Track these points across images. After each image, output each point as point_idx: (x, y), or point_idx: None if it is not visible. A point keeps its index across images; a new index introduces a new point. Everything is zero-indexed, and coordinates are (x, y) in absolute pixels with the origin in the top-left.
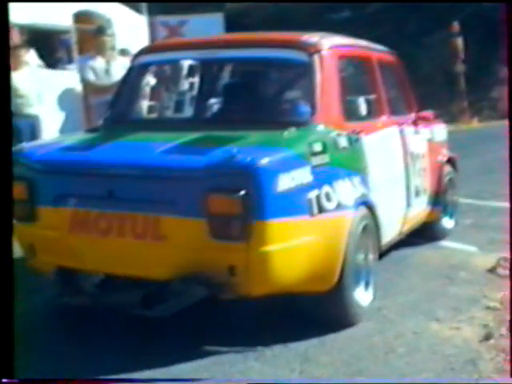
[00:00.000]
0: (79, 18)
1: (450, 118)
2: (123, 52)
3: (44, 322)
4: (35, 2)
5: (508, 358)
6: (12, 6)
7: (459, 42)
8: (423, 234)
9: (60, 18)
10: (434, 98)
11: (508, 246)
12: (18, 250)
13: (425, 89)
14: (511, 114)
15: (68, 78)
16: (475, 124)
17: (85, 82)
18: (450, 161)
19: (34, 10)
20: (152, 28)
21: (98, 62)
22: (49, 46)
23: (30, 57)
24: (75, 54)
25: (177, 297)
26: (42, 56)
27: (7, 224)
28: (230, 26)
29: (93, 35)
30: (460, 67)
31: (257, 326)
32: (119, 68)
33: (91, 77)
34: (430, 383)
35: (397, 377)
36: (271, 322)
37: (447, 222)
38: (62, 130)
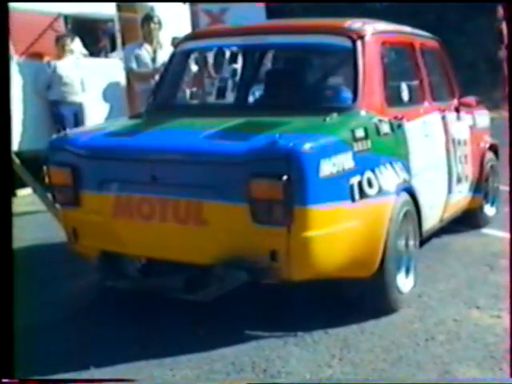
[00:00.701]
0: (123, 7)
1: (492, 105)
2: (174, 40)
3: (88, 305)
4: (35, 1)
5: None
6: None
7: (504, 27)
8: (464, 221)
9: (104, 7)
10: (476, 85)
11: None
12: (62, 235)
13: (467, 75)
14: (511, 113)
15: (112, 66)
16: None
17: (128, 69)
18: (492, 148)
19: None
20: (194, 16)
21: (145, 50)
22: (93, 35)
23: (75, 45)
24: (119, 43)
25: (219, 281)
26: (86, 45)
27: (7, 223)
28: (272, 12)
29: (141, 24)
30: (504, 53)
31: (297, 311)
32: (166, 56)
33: (134, 65)
34: (430, 383)
35: (437, 365)
36: (312, 307)
37: (488, 210)
38: (106, 118)
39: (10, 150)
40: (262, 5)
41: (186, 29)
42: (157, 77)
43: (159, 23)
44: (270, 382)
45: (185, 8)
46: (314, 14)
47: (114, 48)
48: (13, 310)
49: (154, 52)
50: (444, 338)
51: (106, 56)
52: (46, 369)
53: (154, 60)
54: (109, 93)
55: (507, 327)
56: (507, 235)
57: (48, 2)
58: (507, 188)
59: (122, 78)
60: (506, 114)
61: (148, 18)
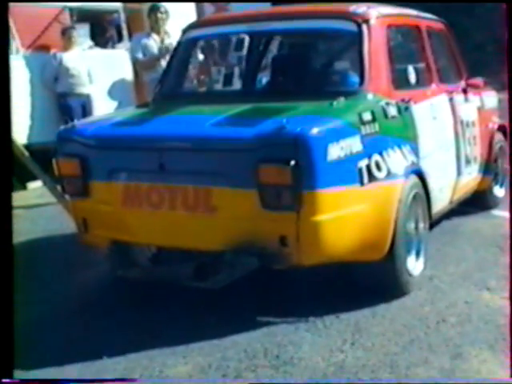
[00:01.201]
0: None
1: (500, 86)
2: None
3: (100, 294)
4: (35, 1)
5: None
6: None
7: None
8: (474, 203)
9: None
10: (484, 67)
11: None
12: (72, 226)
13: (475, 57)
14: (511, 112)
15: (119, 57)
16: None
17: (134, 60)
18: (501, 129)
19: None
20: (199, 5)
21: (153, 40)
22: (99, 26)
23: (83, 34)
24: (125, 34)
25: (229, 268)
26: (92, 36)
27: (7, 222)
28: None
29: (147, 14)
30: None
31: (308, 296)
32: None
33: (139, 55)
34: (430, 383)
35: (449, 347)
36: (323, 292)
37: (498, 191)
38: (114, 108)
39: (10, 157)
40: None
41: (191, 18)
42: (163, 62)
43: (166, 13)
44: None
45: None
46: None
47: (120, 39)
48: (13, 310)
49: (162, 42)
50: (455, 321)
51: (113, 47)
52: (60, 356)
53: (161, 49)
54: (116, 83)
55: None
56: None
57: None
58: None
59: (129, 69)
60: None
61: (155, 8)
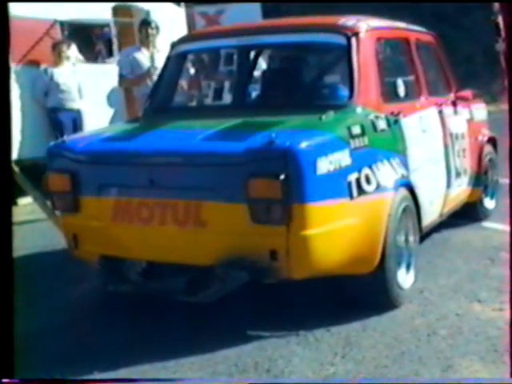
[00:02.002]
0: (118, 11)
1: (490, 98)
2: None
3: (91, 309)
4: (36, 1)
5: None
6: (51, 2)
7: (500, 20)
8: (464, 215)
9: (99, 12)
10: (474, 78)
11: None
12: (62, 242)
13: (465, 69)
14: (511, 105)
15: (109, 72)
16: None
17: (119, 76)
18: (491, 141)
19: (73, 5)
20: (190, 18)
21: (142, 55)
22: (87, 40)
23: (72, 52)
24: (115, 47)
25: (219, 282)
26: (81, 50)
27: (7, 223)
28: (268, 13)
29: (138, 28)
30: (501, 45)
31: (299, 310)
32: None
33: (125, 72)
34: (430, 383)
35: (440, 360)
36: (313, 306)
37: (488, 203)
38: (105, 123)
39: (10, 159)
40: (257, 3)
41: (182, 32)
42: (148, 81)
43: (157, 28)
44: (273, 382)
45: (180, 11)
46: (311, 13)
47: (110, 52)
48: (13, 310)
49: (152, 57)
50: (446, 333)
51: (103, 61)
52: (49, 373)
53: (152, 64)
54: (107, 98)
55: (509, 320)
56: (507, 228)
57: (46, 2)
58: (507, 181)
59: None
60: (504, 106)
61: (146, 23)
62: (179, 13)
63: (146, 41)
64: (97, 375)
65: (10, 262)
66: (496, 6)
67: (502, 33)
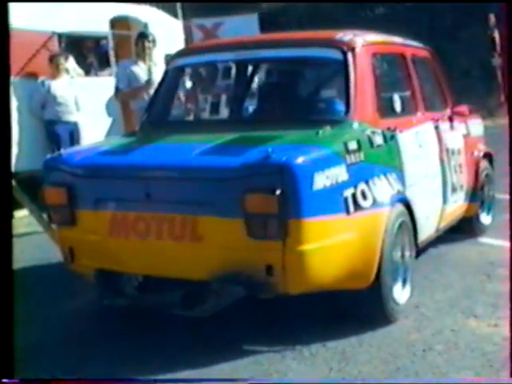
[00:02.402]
0: (116, 23)
1: (487, 113)
2: (167, 57)
3: (87, 323)
4: (36, 2)
5: None
6: (50, 14)
7: (496, 34)
8: (461, 230)
9: (97, 24)
10: (470, 93)
11: None
12: (58, 255)
13: (461, 83)
14: (511, 119)
15: (107, 85)
16: None
17: (116, 89)
18: (487, 156)
19: (70, 17)
20: (187, 31)
21: (139, 68)
22: (81, 53)
23: (69, 64)
24: (112, 60)
25: (216, 297)
26: (78, 63)
27: (7, 223)
28: (265, 25)
29: (135, 41)
30: (497, 60)
31: (295, 324)
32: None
33: (122, 85)
34: (431, 383)
35: (436, 374)
36: (309, 320)
37: (485, 218)
38: (102, 136)
39: (9, 161)
40: (254, 16)
41: (179, 45)
42: (145, 95)
43: (154, 41)
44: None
45: (178, 24)
46: (308, 25)
47: (108, 65)
48: (13, 309)
49: (149, 70)
50: (442, 348)
51: (95, 74)
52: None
53: (148, 81)
54: (105, 108)
55: (505, 336)
56: (504, 243)
57: (46, 6)
58: (503, 196)
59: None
60: (501, 121)
61: (143, 36)
62: (177, 25)
63: (142, 54)
64: None
65: (10, 263)
66: (492, 20)
67: (498, 47)
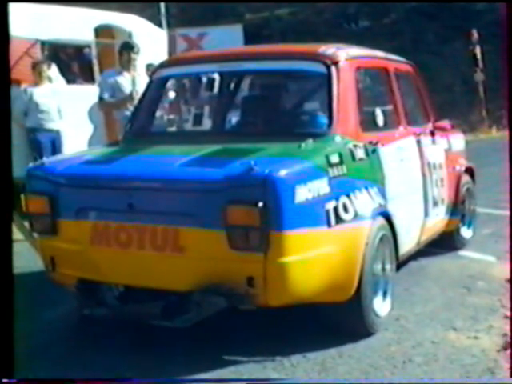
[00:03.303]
0: (100, 32)
1: (468, 127)
2: (149, 67)
3: (67, 332)
4: (37, 2)
5: None
6: (33, 22)
7: (478, 50)
8: (441, 244)
9: (81, 32)
10: (452, 107)
11: None
12: (39, 264)
13: (444, 98)
14: (511, 117)
15: (89, 93)
16: (494, 133)
17: (100, 98)
18: (468, 170)
19: (54, 24)
20: (171, 41)
21: (124, 78)
22: (64, 61)
23: (52, 72)
24: (96, 68)
25: (197, 308)
26: (60, 71)
27: (7, 223)
28: (249, 37)
29: (119, 51)
30: (479, 76)
31: (275, 336)
32: (144, 83)
33: (106, 95)
34: (430, 383)
35: None
36: (289, 331)
37: (465, 232)
38: (85, 145)
39: (10, 161)
40: (239, 27)
41: (163, 55)
42: (129, 105)
43: (138, 52)
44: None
45: (163, 33)
46: (292, 37)
47: (91, 74)
48: (13, 309)
49: (133, 80)
50: (421, 360)
51: (79, 82)
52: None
53: (133, 87)
54: (87, 120)
55: (484, 348)
56: (484, 257)
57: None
58: (484, 210)
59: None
60: (481, 136)
61: (128, 47)
62: (161, 35)
63: (127, 65)
64: None
65: (10, 263)
66: (474, 36)
67: (480, 63)
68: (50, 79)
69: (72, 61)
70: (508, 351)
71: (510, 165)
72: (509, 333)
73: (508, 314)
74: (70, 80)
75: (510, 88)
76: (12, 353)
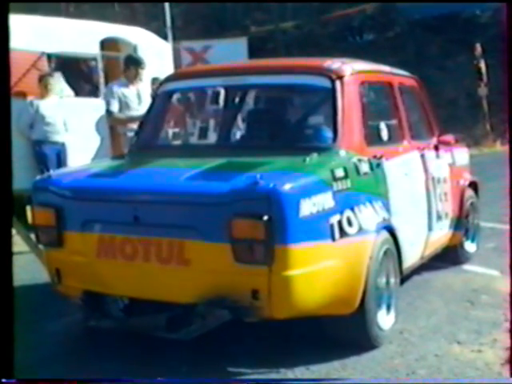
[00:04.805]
0: (106, 44)
1: (473, 141)
2: (154, 81)
3: (72, 344)
4: (37, 2)
5: None
6: (39, 35)
7: (482, 64)
8: (445, 258)
9: (87, 45)
10: (456, 122)
11: None
12: (45, 276)
13: (448, 112)
14: (511, 120)
15: (95, 106)
16: (498, 147)
17: (108, 113)
18: (472, 185)
19: (61, 37)
20: (176, 54)
21: (130, 91)
22: (71, 73)
23: (58, 85)
24: (102, 81)
25: (201, 320)
26: (68, 83)
27: (7, 223)
28: (254, 50)
29: (125, 64)
30: (483, 90)
31: (279, 348)
32: (149, 96)
33: (114, 108)
34: (430, 383)
35: None
36: (294, 344)
37: (469, 246)
38: (91, 158)
39: (10, 165)
40: (244, 40)
41: (169, 67)
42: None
43: (145, 67)
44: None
45: (168, 46)
46: (297, 50)
47: (97, 86)
48: (13, 309)
49: (138, 94)
50: (425, 373)
51: (87, 95)
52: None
53: (139, 100)
54: (92, 133)
55: (488, 361)
56: (488, 271)
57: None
58: (487, 224)
59: (105, 118)
60: (485, 150)
61: (137, 63)
62: (166, 47)
63: (134, 80)
64: None
65: (9, 263)
66: (478, 50)
67: (484, 77)
68: (56, 92)
69: (79, 73)
70: None
71: (510, 179)
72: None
73: None
74: (77, 92)
75: (510, 91)
76: (12, 353)
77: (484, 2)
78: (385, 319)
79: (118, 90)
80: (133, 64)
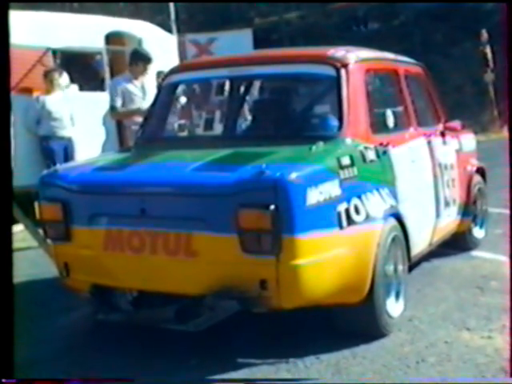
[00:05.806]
0: (111, 38)
1: (479, 128)
2: (159, 74)
3: (82, 338)
4: (37, 2)
5: None
6: (44, 30)
7: (488, 50)
8: (453, 244)
9: (92, 39)
10: (463, 108)
11: None
12: (53, 270)
13: (454, 99)
14: (511, 115)
15: (101, 100)
16: (505, 133)
17: (111, 108)
18: (479, 171)
19: (65, 32)
20: (181, 46)
21: (134, 85)
22: (79, 69)
23: (63, 80)
24: (107, 75)
25: (209, 311)
26: (72, 78)
27: (7, 222)
28: (259, 41)
29: (132, 59)
30: (489, 76)
31: (288, 337)
32: (154, 90)
33: (116, 103)
34: (431, 383)
35: None
36: (303, 333)
37: (477, 232)
38: (97, 152)
39: (9, 163)
40: (248, 32)
41: (174, 60)
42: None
43: (150, 63)
44: None
45: (173, 39)
46: (301, 41)
47: (102, 81)
48: (13, 309)
49: (143, 87)
50: (435, 360)
51: (94, 89)
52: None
53: (143, 94)
54: (99, 127)
55: (498, 347)
56: (497, 257)
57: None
58: (495, 210)
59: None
60: (492, 136)
61: (145, 59)
62: (171, 40)
63: (140, 75)
64: None
65: (10, 263)
66: (484, 36)
67: (491, 63)
68: (61, 87)
69: (84, 68)
70: None
71: (510, 166)
72: None
73: None
74: (82, 87)
75: (510, 89)
76: (12, 353)
77: (484, 2)
78: (394, 307)
79: (122, 85)
80: (140, 60)
